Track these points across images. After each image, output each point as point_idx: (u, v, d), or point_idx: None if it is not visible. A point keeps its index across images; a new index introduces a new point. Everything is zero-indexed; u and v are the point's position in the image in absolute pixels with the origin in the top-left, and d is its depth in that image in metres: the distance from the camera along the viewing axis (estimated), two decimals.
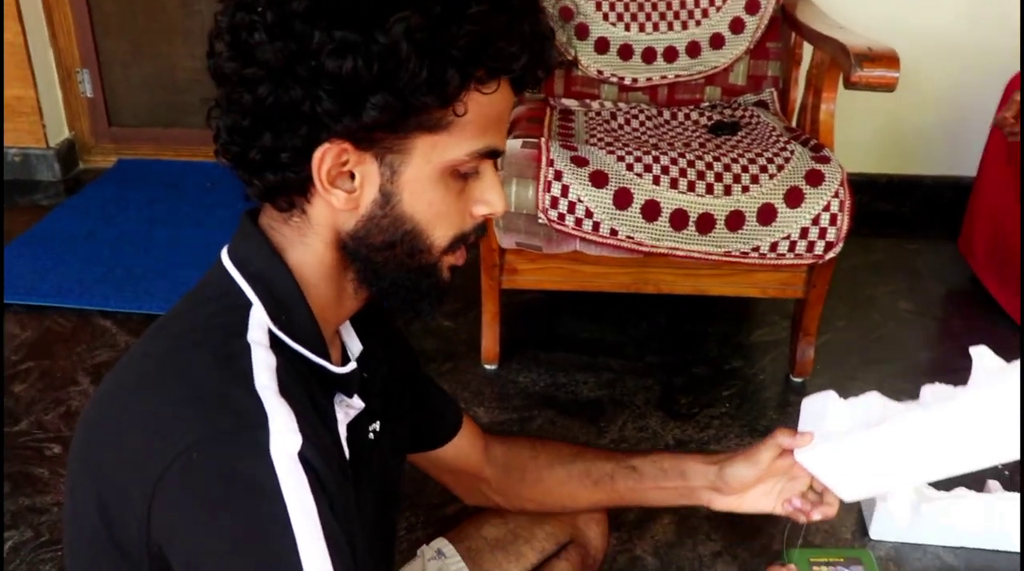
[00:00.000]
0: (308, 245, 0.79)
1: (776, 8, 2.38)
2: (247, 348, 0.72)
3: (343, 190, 0.76)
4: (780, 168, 1.92)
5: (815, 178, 1.90)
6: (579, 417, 2.09)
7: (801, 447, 0.98)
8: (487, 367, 2.25)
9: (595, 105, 2.39)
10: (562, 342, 2.36)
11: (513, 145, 2.01)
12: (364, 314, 0.90)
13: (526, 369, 2.25)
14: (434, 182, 0.77)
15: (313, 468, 0.69)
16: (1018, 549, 1.75)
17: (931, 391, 0.88)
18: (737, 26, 2.38)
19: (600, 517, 1.37)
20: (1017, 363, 0.83)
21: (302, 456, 0.69)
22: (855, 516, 1.83)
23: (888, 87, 1.83)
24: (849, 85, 1.85)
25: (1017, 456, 0.86)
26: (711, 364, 2.28)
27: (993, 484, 1.80)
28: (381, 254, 0.79)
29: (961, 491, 1.76)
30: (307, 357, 0.79)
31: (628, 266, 2.04)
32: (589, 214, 1.90)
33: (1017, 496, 1.75)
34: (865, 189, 3.02)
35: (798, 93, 2.36)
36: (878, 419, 0.90)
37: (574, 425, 2.06)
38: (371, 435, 0.93)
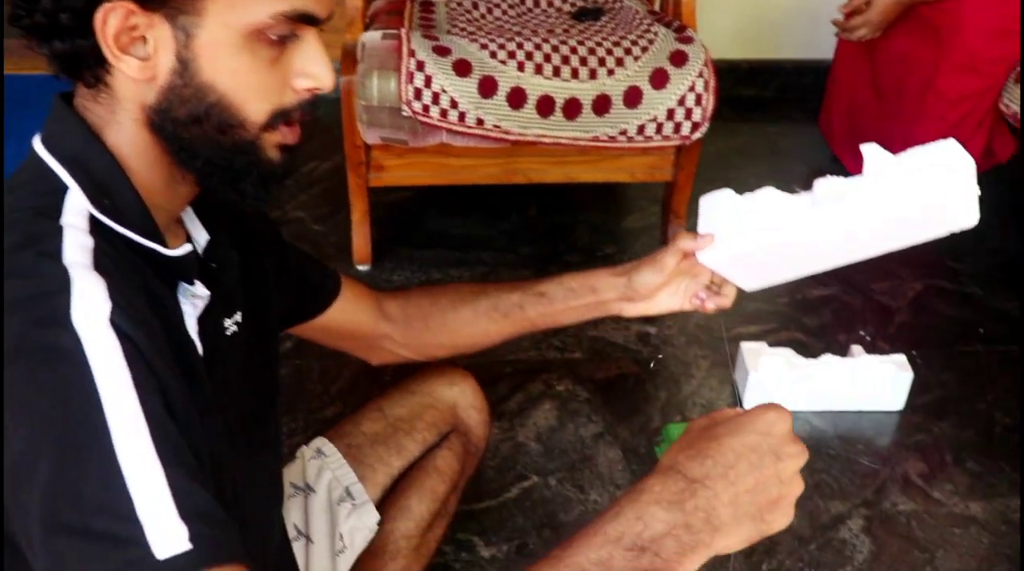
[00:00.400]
0: (121, 124, 0.74)
1: None
2: (59, 230, 0.67)
3: (136, 57, 0.70)
4: (644, 50, 1.91)
5: (679, 59, 1.90)
6: None
7: (703, 249, 0.98)
8: (359, 268, 2.20)
9: None
10: (435, 239, 2.33)
11: (373, 37, 1.94)
12: (212, 202, 0.86)
13: (399, 268, 2.22)
14: (237, 48, 0.71)
15: (128, 337, 0.64)
16: (877, 408, 1.83)
17: (824, 183, 0.88)
18: None
19: (481, 405, 1.36)
20: (908, 153, 0.83)
21: (113, 322, 0.63)
22: (730, 389, 1.88)
23: None
24: None
25: (913, 241, 0.88)
26: (584, 252, 2.29)
27: (856, 349, 1.88)
28: (188, 130, 0.73)
29: (827, 357, 1.83)
30: (137, 242, 0.74)
31: (497, 156, 2.02)
32: (454, 104, 1.85)
33: (876, 358, 1.82)
34: (728, 75, 3.03)
35: None
36: (774, 213, 0.91)
37: None
38: (231, 329, 0.89)
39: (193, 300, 0.81)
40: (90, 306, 0.63)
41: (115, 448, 0.60)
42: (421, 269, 2.21)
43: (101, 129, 0.74)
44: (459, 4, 2.26)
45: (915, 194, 0.81)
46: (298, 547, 1.21)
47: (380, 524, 1.25)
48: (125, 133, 0.74)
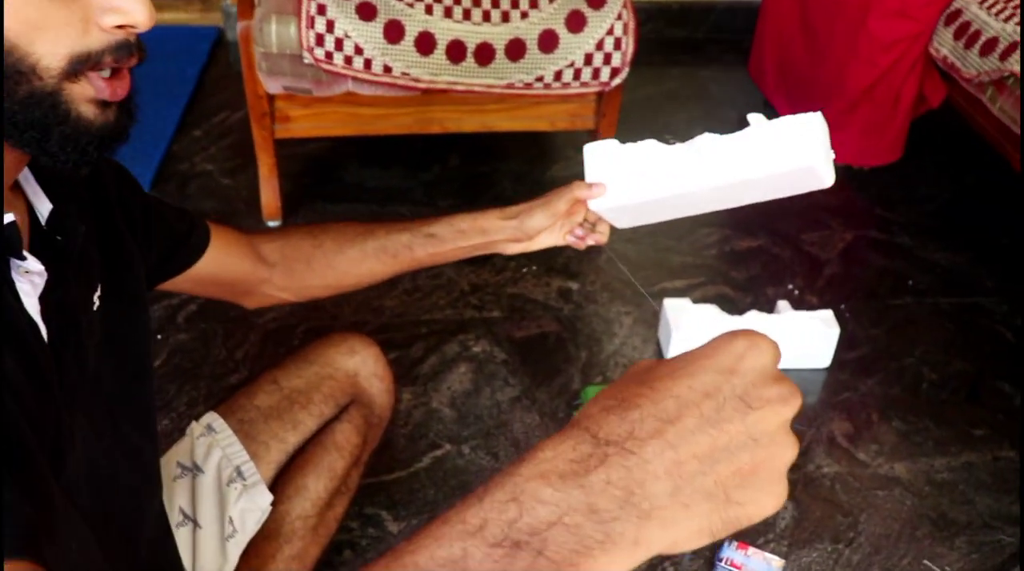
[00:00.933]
0: None
1: None
2: None
3: None
4: None
5: (596, 0, 1.79)
6: None
7: (595, 197, 1.01)
8: (270, 224, 2.09)
9: None
10: (351, 192, 2.22)
11: None
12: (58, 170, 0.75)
13: (311, 222, 2.10)
14: None
15: None
16: (804, 365, 1.78)
17: (702, 139, 0.94)
18: None
19: (383, 373, 1.29)
20: (780, 119, 0.90)
21: None
22: (653, 348, 1.82)
23: None
24: None
25: (779, 196, 0.95)
26: (505, 202, 2.18)
27: (783, 305, 1.82)
28: None
29: (752, 314, 1.77)
30: None
31: (408, 105, 1.91)
32: (359, 50, 1.74)
33: (802, 314, 1.76)
34: (658, 15, 2.95)
35: None
36: (656, 164, 0.96)
37: None
38: (95, 305, 0.80)
39: (29, 277, 0.71)
40: None
41: None
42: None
43: None
44: None
45: (777, 155, 0.89)
46: (184, 533, 1.12)
47: (273, 505, 1.17)
48: None
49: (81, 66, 0.63)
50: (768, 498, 0.45)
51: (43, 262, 0.72)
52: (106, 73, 0.65)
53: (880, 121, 2.24)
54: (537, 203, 1.08)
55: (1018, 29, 1.88)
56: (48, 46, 0.62)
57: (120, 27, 0.64)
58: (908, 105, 2.21)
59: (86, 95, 0.65)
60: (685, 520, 0.44)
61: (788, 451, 0.45)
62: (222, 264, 1.07)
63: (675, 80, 2.76)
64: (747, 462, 0.45)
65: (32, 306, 0.71)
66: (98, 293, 0.81)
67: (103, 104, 0.66)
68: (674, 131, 2.52)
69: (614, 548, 0.43)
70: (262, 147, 1.98)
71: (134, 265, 0.91)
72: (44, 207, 0.76)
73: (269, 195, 2.06)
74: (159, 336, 1.79)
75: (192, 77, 2.59)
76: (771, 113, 2.47)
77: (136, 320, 0.93)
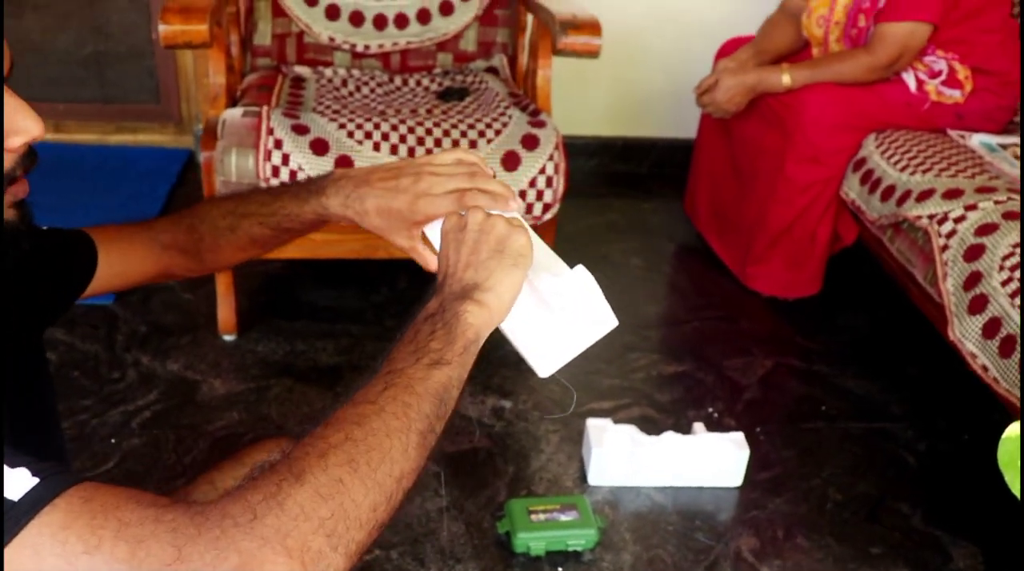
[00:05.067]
0: None
1: None
2: None
3: None
4: (498, 133, 1.98)
5: (530, 142, 1.97)
6: (317, 383, 2.10)
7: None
8: (225, 338, 2.22)
9: (328, 72, 2.38)
10: (304, 310, 2.36)
11: (234, 114, 1.98)
12: None
13: (265, 338, 2.24)
14: None
15: None
16: (717, 484, 1.90)
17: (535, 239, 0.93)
18: None
19: None
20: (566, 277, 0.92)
21: None
22: (577, 465, 1.93)
23: (592, 54, 1.92)
24: (556, 51, 1.92)
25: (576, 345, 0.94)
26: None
27: (698, 426, 1.94)
28: None
29: (669, 435, 1.89)
30: None
31: (358, 233, 2.06)
32: None
33: (716, 436, 1.89)
34: (603, 151, 3.16)
35: (525, 59, 2.43)
36: None
37: (311, 391, 2.07)
38: None
39: None
40: None
41: None
42: (287, 340, 2.23)
43: None
44: (329, 81, 2.32)
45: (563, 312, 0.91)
46: None
47: None
48: None
49: (5, 187, 0.75)
50: (521, 236, 0.86)
51: None
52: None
53: (799, 256, 2.42)
54: (389, 205, 1.03)
55: (911, 179, 2.08)
56: None
57: (23, 144, 0.75)
58: (824, 242, 2.40)
59: (7, 203, 0.77)
60: (494, 276, 0.84)
61: (501, 219, 0.87)
62: (121, 272, 1.13)
63: (617, 212, 2.95)
64: (493, 235, 0.86)
65: None
66: (7, 374, 0.92)
67: (18, 205, 0.78)
68: (612, 260, 2.69)
69: (475, 309, 0.81)
70: None
71: (36, 336, 1.02)
72: None
73: (226, 311, 2.19)
74: (112, 440, 1.89)
75: (162, 195, 2.75)
76: (703, 246, 2.66)
77: (43, 386, 1.04)
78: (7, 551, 0.61)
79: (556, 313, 0.90)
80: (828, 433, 2.08)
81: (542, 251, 0.96)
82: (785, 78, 2.30)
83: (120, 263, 1.12)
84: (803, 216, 2.35)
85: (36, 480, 0.62)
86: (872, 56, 2.25)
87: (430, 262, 1.03)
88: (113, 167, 2.92)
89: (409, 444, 0.72)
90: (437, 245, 0.99)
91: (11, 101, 0.74)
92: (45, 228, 1.05)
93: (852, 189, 2.27)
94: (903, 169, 2.12)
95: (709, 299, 2.56)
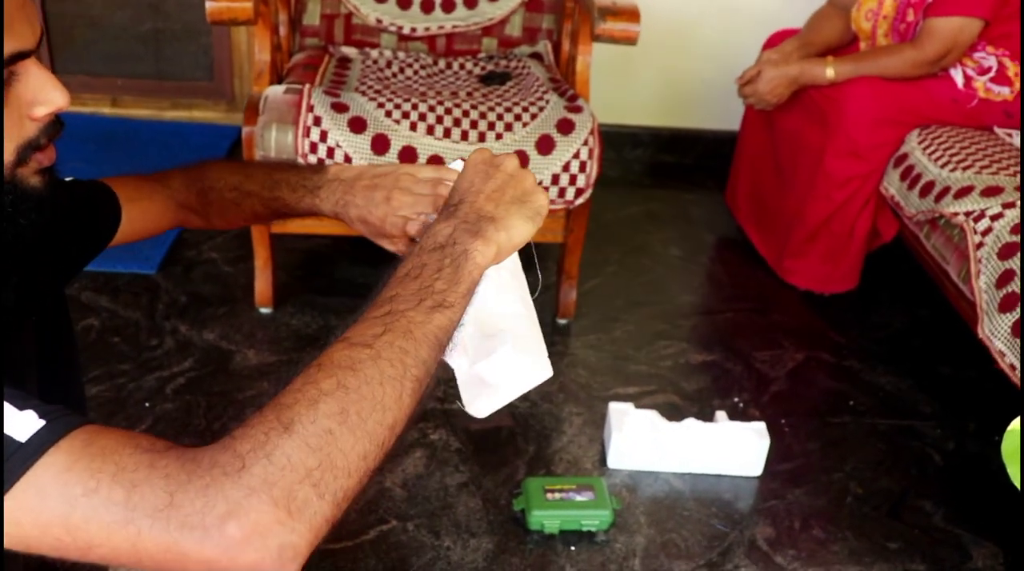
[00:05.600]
0: None
1: None
2: None
3: None
4: (534, 117, 2.00)
5: (566, 127, 1.99)
6: None
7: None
8: (261, 310, 2.27)
9: (374, 53, 2.41)
10: (339, 286, 2.41)
11: (276, 91, 2.02)
12: None
13: (300, 312, 2.29)
14: None
15: None
16: (736, 473, 1.90)
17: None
18: None
19: None
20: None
21: None
22: (598, 448, 1.95)
23: (630, 40, 1.93)
24: (595, 37, 1.93)
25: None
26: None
27: (720, 415, 1.95)
28: None
29: (690, 421, 1.90)
30: None
31: None
32: (348, 159, 1.94)
33: (737, 424, 1.90)
34: (650, 142, 3.16)
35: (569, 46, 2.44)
36: None
37: None
38: (27, 339, 0.94)
39: None
40: None
41: None
42: (321, 315, 2.28)
43: None
44: (374, 62, 2.36)
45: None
46: None
47: None
48: None
49: (27, 153, 0.79)
50: (542, 196, 0.88)
51: None
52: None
53: (836, 252, 2.40)
54: (367, 217, 1.07)
55: (951, 175, 2.05)
56: None
57: (48, 114, 0.79)
58: (862, 238, 2.38)
59: (31, 170, 0.80)
60: (513, 216, 0.85)
61: (532, 176, 0.90)
62: (141, 226, 1.18)
63: (659, 202, 2.95)
64: (520, 185, 0.88)
65: None
66: (32, 324, 0.96)
67: (43, 172, 0.82)
68: (650, 249, 2.69)
69: (485, 235, 0.82)
70: (259, 241, 2.18)
71: (59, 286, 1.06)
72: None
73: (263, 284, 2.24)
74: (147, 404, 1.96)
75: None
76: (743, 239, 2.65)
77: (66, 334, 1.08)
78: (14, 490, 0.64)
79: (485, 375, 0.87)
80: (854, 428, 2.07)
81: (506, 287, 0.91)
82: (829, 71, 2.29)
83: (140, 218, 1.17)
84: (842, 211, 2.33)
85: (42, 423, 0.66)
86: (919, 51, 2.23)
87: None
88: (166, 142, 3.00)
89: (404, 392, 0.72)
90: None
91: (39, 73, 0.78)
92: (68, 179, 1.09)
93: (892, 184, 2.25)
94: (944, 165, 2.09)
95: (744, 291, 2.55)
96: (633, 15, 1.93)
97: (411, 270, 0.80)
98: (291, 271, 2.42)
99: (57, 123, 0.82)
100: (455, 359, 0.87)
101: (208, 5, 1.89)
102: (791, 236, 2.45)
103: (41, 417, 0.66)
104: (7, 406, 0.66)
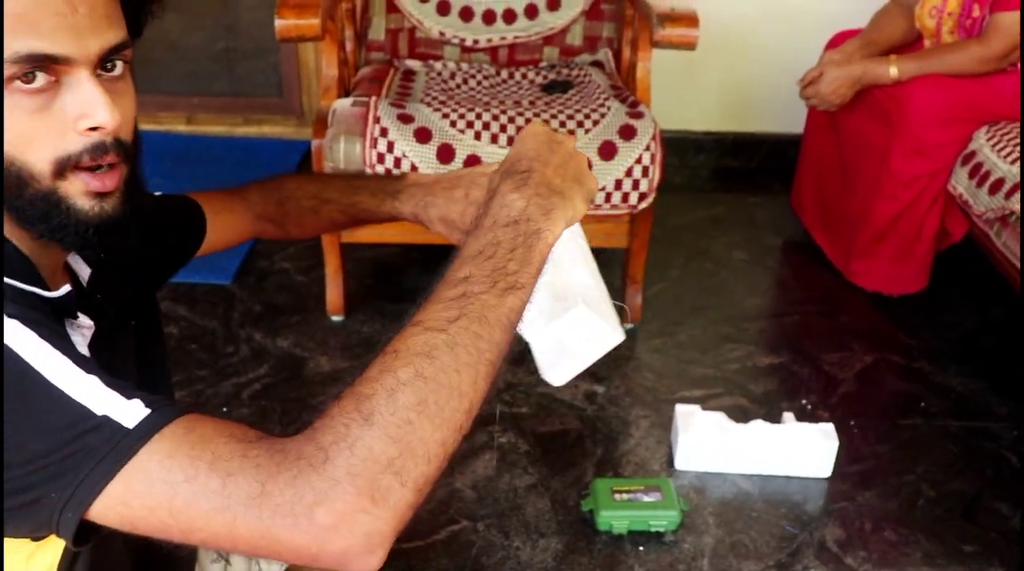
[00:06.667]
0: None
1: None
2: None
3: None
4: (596, 123, 2.02)
5: (628, 133, 2.01)
6: None
7: None
8: (333, 318, 2.33)
9: (437, 66, 2.46)
10: (409, 294, 2.45)
11: (344, 104, 2.08)
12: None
13: (371, 320, 2.34)
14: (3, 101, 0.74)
15: (26, 318, 0.72)
16: (805, 474, 1.89)
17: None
18: None
19: None
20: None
21: (10, 314, 0.72)
22: (665, 450, 1.96)
23: (689, 46, 1.95)
24: (654, 44, 1.95)
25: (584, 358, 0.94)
26: None
27: (788, 416, 1.95)
28: (8, 199, 0.78)
29: (757, 423, 1.90)
30: (20, 288, 0.81)
31: None
32: (414, 169, 1.98)
33: (804, 425, 1.90)
34: (714, 147, 3.16)
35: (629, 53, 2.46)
36: None
37: None
38: (126, 340, 0.99)
39: (80, 330, 0.92)
40: None
41: (50, 380, 0.70)
42: (391, 322, 2.33)
43: None
44: (438, 74, 2.41)
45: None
46: (217, 569, 1.31)
47: None
48: None
49: (64, 167, 0.78)
50: (593, 181, 0.91)
51: (89, 316, 0.93)
52: (101, 169, 0.79)
53: (904, 252, 2.38)
54: (447, 215, 1.11)
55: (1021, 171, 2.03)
56: (35, 154, 0.76)
57: (93, 129, 0.78)
58: (930, 238, 2.35)
59: (79, 190, 0.79)
60: (574, 193, 0.87)
61: (584, 157, 0.92)
62: (223, 237, 1.23)
63: (723, 206, 2.95)
64: (578, 166, 0.90)
65: (84, 352, 0.92)
66: (133, 326, 1.01)
67: (98, 196, 0.80)
68: (714, 253, 2.69)
69: (555, 210, 0.84)
70: (330, 250, 2.23)
71: (153, 291, 1.12)
72: (84, 271, 0.95)
73: (334, 293, 2.30)
74: (224, 409, 2.02)
75: None
76: (809, 242, 2.64)
77: (158, 336, 1.13)
78: (123, 473, 0.68)
79: (562, 339, 0.91)
80: (926, 430, 2.05)
81: (575, 261, 0.96)
82: (892, 70, 2.27)
83: (223, 229, 1.23)
84: (909, 210, 2.31)
85: (148, 411, 0.70)
86: (985, 47, 2.20)
87: None
88: (239, 157, 3.08)
89: (479, 376, 0.74)
90: None
91: (90, 88, 0.77)
92: (159, 194, 1.15)
93: (960, 183, 2.22)
94: (1013, 161, 2.07)
95: (810, 293, 2.54)
96: (692, 21, 1.95)
97: (485, 248, 0.81)
98: (361, 280, 2.48)
99: (106, 147, 0.79)
100: (528, 329, 0.90)
101: (277, 23, 1.95)
102: (858, 237, 2.44)
103: (147, 406, 0.71)
104: (115, 395, 0.71)
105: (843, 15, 2.71)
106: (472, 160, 1.97)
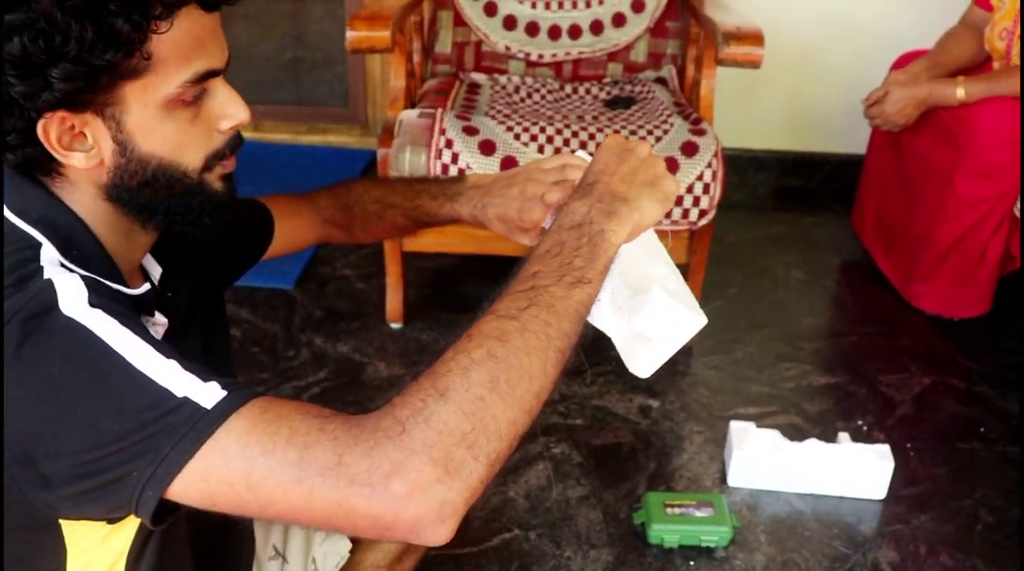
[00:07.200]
0: (80, 200, 0.86)
1: None
2: (39, 268, 0.81)
3: (82, 151, 0.82)
4: (658, 139, 2.04)
5: (690, 149, 2.02)
6: None
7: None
8: (392, 325, 2.37)
9: (502, 79, 2.50)
10: (468, 303, 2.48)
11: (411, 115, 2.12)
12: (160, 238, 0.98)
13: (429, 328, 2.37)
14: (160, 119, 0.82)
15: (107, 308, 0.77)
16: (859, 495, 1.88)
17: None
18: (638, 6, 2.49)
19: None
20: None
21: (92, 304, 0.77)
22: (718, 466, 1.96)
23: (754, 64, 1.96)
24: (719, 62, 1.97)
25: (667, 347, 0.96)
26: None
27: (843, 436, 1.94)
28: (142, 194, 0.86)
29: (811, 442, 1.90)
30: (104, 284, 0.85)
31: None
32: None
33: (859, 446, 1.89)
34: (775, 165, 3.16)
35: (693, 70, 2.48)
36: None
37: None
38: (195, 335, 1.04)
39: (155, 328, 0.96)
40: (72, 295, 0.77)
41: (133, 364, 0.75)
42: (449, 331, 2.36)
43: (62, 198, 0.86)
44: (503, 88, 2.44)
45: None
46: (274, 566, 1.34)
47: (351, 552, 1.37)
48: (84, 205, 0.86)
49: (214, 162, 0.88)
50: (672, 183, 0.94)
51: (163, 314, 0.97)
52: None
53: (967, 275, 2.36)
54: (505, 213, 1.14)
55: None
56: (190, 156, 0.86)
57: (231, 127, 0.89)
58: (995, 261, 2.33)
59: (216, 176, 0.90)
60: (645, 198, 0.90)
61: (662, 162, 0.96)
62: (292, 240, 1.29)
63: (782, 225, 2.94)
64: (652, 170, 0.94)
65: None
66: (199, 322, 1.06)
67: (226, 178, 0.91)
68: (772, 272, 2.69)
69: (619, 215, 0.88)
70: (391, 258, 2.27)
71: (220, 291, 1.17)
72: (155, 271, 1.00)
73: (394, 300, 2.34)
74: None
75: None
76: (869, 262, 2.62)
77: (223, 335, 1.18)
78: (202, 450, 0.72)
79: (643, 329, 0.94)
80: (985, 455, 2.03)
81: (649, 250, 0.99)
82: (959, 91, 2.26)
83: (291, 233, 1.28)
84: (972, 233, 2.29)
85: (224, 393, 0.75)
86: None
87: None
88: (303, 165, 3.15)
89: (548, 362, 0.78)
90: None
91: (226, 90, 0.88)
92: None
93: None
94: None
95: (869, 314, 2.53)
96: (757, 39, 1.96)
97: (551, 248, 0.86)
98: (420, 288, 2.52)
99: (238, 137, 0.91)
100: (610, 323, 0.93)
101: (349, 35, 1.99)
102: (919, 259, 2.42)
103: (223, 388, 0.75)
104: (194, 378, 0.75)
105: (910, 36, 2.70)
106: None
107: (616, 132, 2.06)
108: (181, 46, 0.80)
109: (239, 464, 0.72)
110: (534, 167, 1.14)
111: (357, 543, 1.38)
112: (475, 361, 0.75)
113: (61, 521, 0.84)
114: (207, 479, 0.73)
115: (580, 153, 1.10)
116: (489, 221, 1.17)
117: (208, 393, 0.74)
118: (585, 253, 0.85)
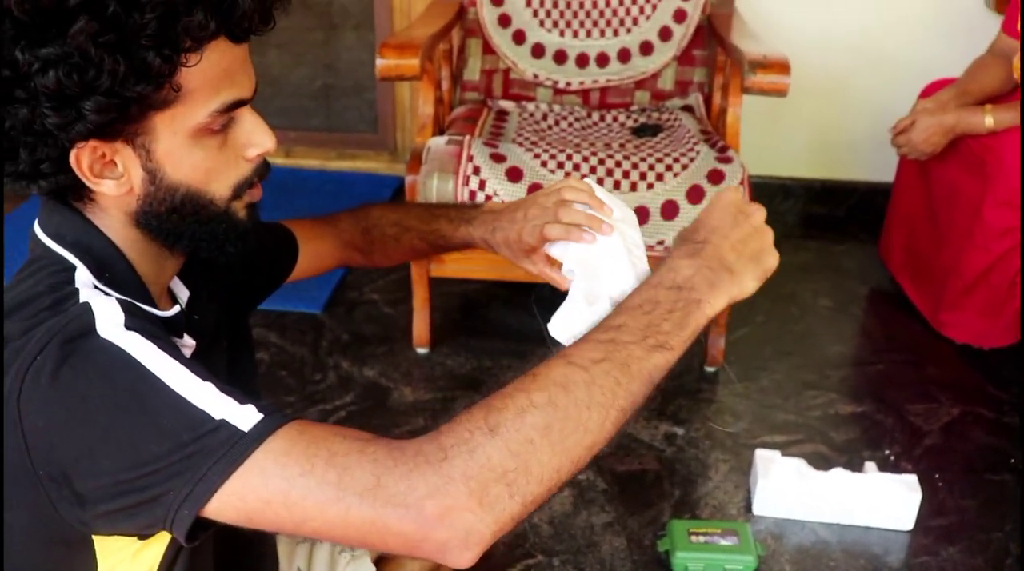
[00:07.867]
0: (110, 226, 0.89)
1: (702, 18, 2.51)
2: (75, 291, 0.83)
3: (112, 179, 0.84)
4: (685, 167, 2.05)
5: (716, 177, 2.03)
6: None
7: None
8: (418, 350, 2.38)
9: (530, 106, 2.52)
10: (494, 330, 2.50)
11: (439, 142, 2.14)
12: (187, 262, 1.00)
13: (455, 353, 2.38)
14: (189, 148, 0.84)
15: (143, 331, 0.79)
16: (886, 526, 1.87)
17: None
18: (665, 34, 2.51)
19: None
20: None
21: (128, 327, 0.79)
22: (743, 494, 1.96)
23: (780, 93, 1.96)
24: (745, 90, 1.98)
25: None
26: None
27: (869, 466, 1.93)
28: (171, 220, 0.88)
29: (837, 471, 1.89)
30: (138, 306, 0.88)
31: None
32: None
33: (886, 476, 1.87)
34: (802, 193, 3.15)
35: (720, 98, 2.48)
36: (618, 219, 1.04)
37: None
38: (221, 358, 1.05)
39: (184, 350, 0.98)
40: (109, 318, 0.79)
41: (170, 386, 0.77)
42: (475, 356, 2.37)
43: (95, 222, 0.89)
44: (530, 115, 2.46)
45: None
46: None
47: None
48: (115, 230, 0.89)
49: (242, 190, 0.90)
50: (774, 258, 0.94)
51: (190, 336, 0.99)
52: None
53: (996, 305, 2.34)
54: (508, 236, 1.15)
55: None
56: (218, 184, 0.88)
57: (258, 155, 0.90)
58: None
59: (242, 204, 0.91)
60: (747, 272, 0.90)
61: (771, 233, 0.95)
62: (314, 264, 1.30)
63: (810, 253, 2.94)
64: (760, 242, 0.93)
65: None
66: (225, 345, 1.08)
67: (250, 206, 0.93)
68: (799, 299, 2.68)
69: (721, 286, 0.87)
70: (418, 283, 2.29)
71: (246, 314, 1.19)
72: (183, 294, 1.03)
73: (420, 325, 2.35)
74: None
75: None
76: (896, 291, 2.61)
77: (248, 357, 1.19)
78: (240, 471, 0.74)
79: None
80: (1014, 487, 2.01)
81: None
82: (988, 119, 2.25)
83: (314, 256, 1.29)
84: (1001, 262, 2.28)
85: (261, 416, 0.77)
86: None
87: (560, 283, 1.12)
88: (332, 190, 3.18)
89: (607, 420, 0.78)
90: (563, 262, 1.06)
91: (253, 119, 0.89)
92: None
93: None
94: None
95: (896, 343, 2.51)
96: (784, 67, 1.97)
97: (644, 303, 0.85)
98: (447, 314, 2.53)
99: (265, 164, 0.93)
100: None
101: (379, 63, 2.02)
102: (948, 288, 2.41)
103: (260, 411, 0.77)
104: (230, 400, 0.77)
105: (938, 64, 2.69)
106: None
107: (640, 161, 2.07)
108: (210, 77, 0.82)
109: (277, 484, 0.74)
110: (542, 193, 1.15)
111: (381, 566, 1.39)
112: (534, 404, 0.76)
113: (93, 536, 0.85)
114: (244, 499, 0.74)
115: (600, 191, 1.08)
116: (497, 245, 1.18)
117: (245, 416, 0.76)
118: (677, 318, 0.84)
